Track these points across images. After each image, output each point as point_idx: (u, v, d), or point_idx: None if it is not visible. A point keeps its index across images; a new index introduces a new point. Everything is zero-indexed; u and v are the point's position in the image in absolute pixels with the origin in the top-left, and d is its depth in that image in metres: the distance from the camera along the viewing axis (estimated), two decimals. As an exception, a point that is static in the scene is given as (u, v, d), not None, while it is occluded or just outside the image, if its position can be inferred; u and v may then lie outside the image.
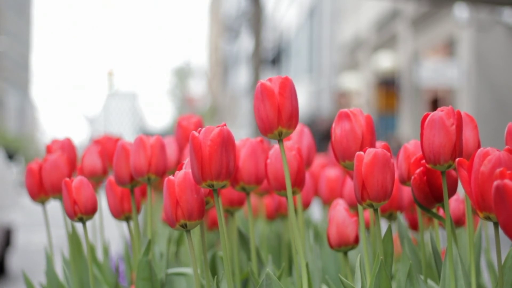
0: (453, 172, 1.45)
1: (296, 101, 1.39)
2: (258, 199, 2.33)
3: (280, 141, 1.40)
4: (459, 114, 1.33)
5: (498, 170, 1.04)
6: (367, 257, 1.41)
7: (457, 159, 1.23)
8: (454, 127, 1.31)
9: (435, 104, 14.59)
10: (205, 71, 65.32)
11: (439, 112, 1.32)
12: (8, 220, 6.59)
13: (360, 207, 1.39)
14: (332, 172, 2.18)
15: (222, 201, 1.84)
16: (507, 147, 1.23)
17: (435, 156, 1.32)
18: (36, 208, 7.03)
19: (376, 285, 1.32)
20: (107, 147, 2.15)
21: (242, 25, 33.45)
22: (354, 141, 1.41)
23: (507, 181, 0.98)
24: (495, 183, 0.99)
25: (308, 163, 1.88)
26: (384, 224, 1.97)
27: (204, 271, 1.42)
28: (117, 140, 2.21)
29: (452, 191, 1.46)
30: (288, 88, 1.37)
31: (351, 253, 1.93)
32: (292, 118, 1.38)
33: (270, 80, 1.38)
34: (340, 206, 1.59)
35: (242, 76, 39.49)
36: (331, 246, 1.59)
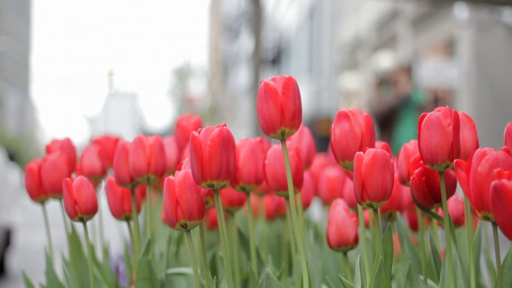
0: (452, 172, 1.45)
1: (299, 101, 1.39)
2: (258, 199, 2.33)
3: (283, 140, 1.40)
4: (456, 114, 1.33)
5: (495, 170, 1.05)
6: (367, 257, 1.41)
7: (455, 160, 1.23)
8: (451, 127, 1.31)
9: (435, 104, 14.58)
10: (205, 71, 65.31)
11: (436, 113, 1.32)
12: (8, 220, 6.58)
13: (360, 207, 1.39)
14: (332, 172, 2.18)
15: (222, 201, 1.84)
16: (504, 147, 1.23)
17: (433, 157, 1.32)
18: (36, 208, 7.03)
19: (376, 285, 1.32)
20: (106, 147, 2.15)
21: (242, 25, 33.44)
22: (354, 141, 1.41)
23: (504, 181, 0.99)
24: (493, 183, 0.99)
25: (308, 163, 1.88)
26: (384, 224, 1.97)
27: (204, 271, 1.42)
28: (116, 140, 2.21)
29: (451, 191, 1.46)
30: (291, 88, 1.38)
31: (351, 253, 1.93)
32: (295, 118, 1.38)
33: (273, 79, 1.38)
34: (339, 206, 1.59)
35: (242, 76, 39.48)
36: (331, 246, 1.59)
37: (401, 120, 6.30)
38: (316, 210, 3.60)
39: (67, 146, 1.97)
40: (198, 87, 63.38)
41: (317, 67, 24.81)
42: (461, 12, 12.53)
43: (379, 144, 1.47)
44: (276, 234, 2.32)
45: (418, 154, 1.48)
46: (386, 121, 6.33)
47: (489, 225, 1.65)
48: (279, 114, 1.37)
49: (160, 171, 1.65)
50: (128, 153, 1.67)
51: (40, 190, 1.87)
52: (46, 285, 1.85)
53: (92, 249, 2.03)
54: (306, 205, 1.97)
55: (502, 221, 1.00)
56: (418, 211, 1.58)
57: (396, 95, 6.41)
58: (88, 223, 1.61)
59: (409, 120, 6.29)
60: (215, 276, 1.41)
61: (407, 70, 6.53)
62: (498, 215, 1.00)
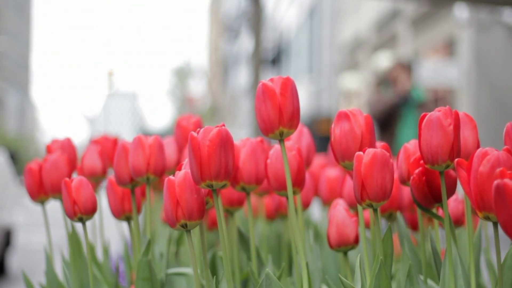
0: (452, 172, 1.45)
1: (297, 101, 1.39)
2: (258, 199, 2.33)
3: (281, 141, 1.40)
4: (456, 114, 1.33)
5: (498, 170, 1.05)
6: (367, 257, 1.41)
7: (456, 160, 1.23)
8: (451, 127, 1.31)
9: (435, 104, 14.58)
10: (205, 71, 65.32)
11: (436, 112, 1.32)
12: (9, 220, 6.58)
13: (360, 207, 1.39)
14: (332, 172, 2.18)
15: (222, 201, 1.84)
16: (506, 147, 1.23)
17: (433, 157, 1.32)
18: (36, 208, 7.04)
19: (375, 285, 1.32)
20: (106, 147, 2.14)
21: (242, 25, 33.46)
22: (354, 141, 1.41)
23: (507, 180, 0.98)
24: (495, 182, 0.99)
25: (308, 163, 1.88)
26: (384, 224, 1.97)
27: (204, 271, 1.42)
28: (115, 140, 2.21)
29: (451, 191, 1.46)
30: (289, 88, 1.38)
31: (351, 253, 1.93)
32: (293, 118, 1.38)
33: (271, 80, 1.39)
34: (340, 206, 1.59)
35: (242, 76, 39.48)
36: (331, 246, 1.59)
37: (402, 119, 6.04)
38: (316, 210, 3.60)
39: (67, 146, 1.97)
40: (198, 87, 63.40)
41: (317, 67, 24.81)
42: (461, 12, 12.54)
43: (379, 144, 1.47)
44: (276, 234, 2.32)
45: (418, 154, 1.48)
46: (386, 120, 6.06)
47: (489, 225, 1.65)
48: (277, 114, 1.37)
49: (159, 171, 1.65)
50: (128, 153, 1.67)
51: (40, 190, 1.87)
52: (46, 285, 1.85)
53: (92, 249, 2.03)
54: (306, 205, 1.97)
55: (504, 221, 1.00)
56: (418, 211, 1.57)
57: (396, 92, 6.13)
58: (88, 223, 1.61)
59: (410, 119, 6.02)
60: (215, 276, 1.40)
61: (406, 67, 6.24)
62: (500, 214, 1.00)
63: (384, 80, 6.89)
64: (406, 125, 6.05)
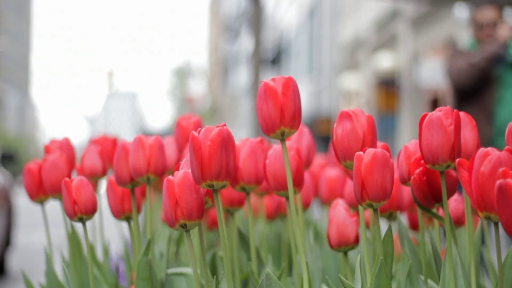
0: (453, 172, 1.45)
1: (299, 101, 1.39)
2: (258, 199, 2.32)
3: (282, 141, 1.40)
4: (457, 114, 1.33)
5: (501, 170, 1.05)
6: (367, 257, 1.41)
7: (457, 159, 1.23)
8: (452, 127, 1.31)
9: (435, 104, 14.55)
10: (205, 71, 65.33)
11: (437, 112, 1.32)
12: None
13: (360, 207, 1.39)
14: (332, 172, 2.18)
15: (222, 201, 1.84)
16: (507, 147, 1.23)
17: (434, 157, 1.32)
18: (36, 208, 7.03)
19: (376, 285, 1.32)
20: (106, 147, 2.14)
21: (242, 25, 33.49)
22: (356, 141, 1.41)
23: (509, 180, 0.98)
24: (498, 182, 0.99)
25: (308, 163, 1.88)
26: (384, 224, 1.97)
27: (204, 271, 1.42)
28: (114, 140, 2.21)
29: (452, 191, 1.46)
30: (291, 88, 1.38)
31: (351, 253, 1.93)
32: (295, 118, 1.38)
33: (273, 80, 1.38)
34: (340, 206, 1.59)
35: (242, 76, 39.48)
36: (331, 246, 1.58)
37: (502, 84, 4.11)
38: (316, 210, 3.60)
39: (66, 146, 1.96)
40: (198, 87, 63.39)
41: (317, 67, 24.81)
42: (461, 12, 12.53)
43: (380, 144, 1.47)
44: (276, 234, 2.32)
45: (419, 154, 1.48)
46: (477, 86, 4.09)
47: (490, 225, 1.65)
48: (279, 114, 1.37)
49: (160, 171, 1.65)
50: (128, 153, 1.67)
51: (39, 190, 1.87)
52: (46, 285, 1.85)
53: (92, 249, 2.03)
54: (306, 205, 1.97)
55: (507, 221, 1.00)
56: (419, 211, 1.57)
57: (496, 42, 4.06)
58: (88, 223, 1.61)
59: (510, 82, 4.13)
60: (215, 276, 1.40)
61: (501, 14, 4.18)
62: (502, 214, 1.00)
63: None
64: (509, 94, 4.12)
